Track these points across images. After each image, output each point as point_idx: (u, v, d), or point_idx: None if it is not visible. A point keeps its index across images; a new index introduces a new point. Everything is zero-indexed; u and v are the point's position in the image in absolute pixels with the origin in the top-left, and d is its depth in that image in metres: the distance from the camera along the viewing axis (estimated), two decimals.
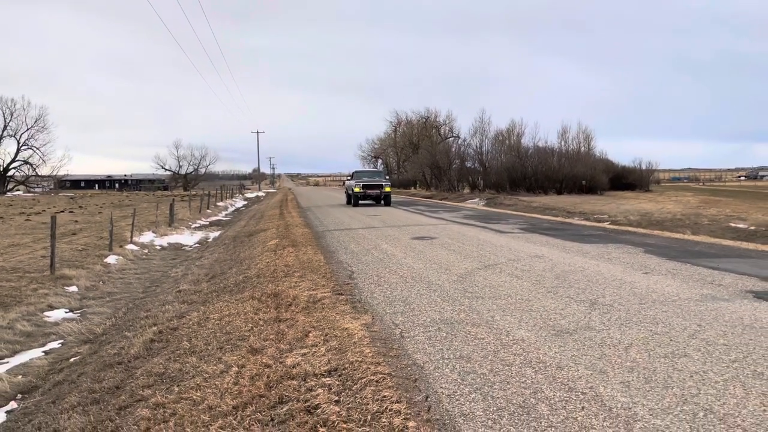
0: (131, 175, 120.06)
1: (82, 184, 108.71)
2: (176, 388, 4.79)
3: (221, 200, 45.85)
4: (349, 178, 32.41)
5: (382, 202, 29.05)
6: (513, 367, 4.45)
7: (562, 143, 56.76)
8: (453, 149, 58.89)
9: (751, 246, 11.80)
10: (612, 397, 3.79)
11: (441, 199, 38.13)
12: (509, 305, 6.47)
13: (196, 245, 19.12)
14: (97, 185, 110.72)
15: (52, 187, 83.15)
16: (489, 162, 52.01)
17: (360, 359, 4.65)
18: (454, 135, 66.96)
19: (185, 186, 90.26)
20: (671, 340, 5.03)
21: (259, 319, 6.41)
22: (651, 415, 3.52)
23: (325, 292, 7.32)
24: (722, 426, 3.35)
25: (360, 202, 28.80)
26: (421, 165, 58.35)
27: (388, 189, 29.00)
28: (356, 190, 28.21)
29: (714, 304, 6.35)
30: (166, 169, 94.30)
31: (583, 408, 3.65)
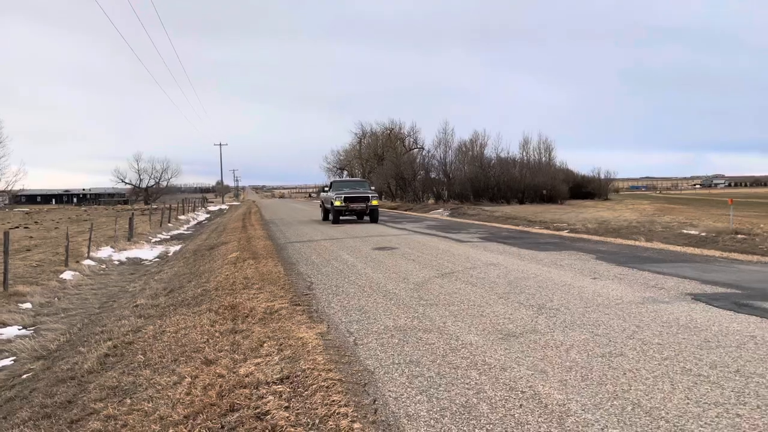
0: (90, 190, 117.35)
1: (39, 199, 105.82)
2: (128, 401, 4.82)
3: (183, 214, 45.26)
4: (326, 189, 26.93)
5: (368, 217, 24.22)
6: (459, 369, 4.62)
7: (524, 154, 58.03)
8: (417, 160, 59.47)
9: (697, 251, 12.32)
10: (549, 395, 4.00)
11: (406, 210, 38.42)
12: (461, 311, 6.66)
13: (156, 259, 18.89)
14: (54, 200, 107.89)
15: (6, 202, 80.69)
16: (453, 173, 52.70)
17: (312, 366, 4.76)
18: (419, 146, 67.60)
19: (146, 200, 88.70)
20: (610, 341, 5.29)
21: (215, 331, 6.45)
22: (583, 410, 3.72)
23: (282, 303, 7.40)
24: (647, 418, 3.58)
25: (341, 218, 23.97)
26: (386, 176, 58.71)
27: (375, 202, 23.97)
28: (337, 203, 23.03)
29: (654, 306, 6.67)
30: (126, 183, 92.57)
31: (521, 406, 3.84)
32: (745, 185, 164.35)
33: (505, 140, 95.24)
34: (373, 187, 27.17)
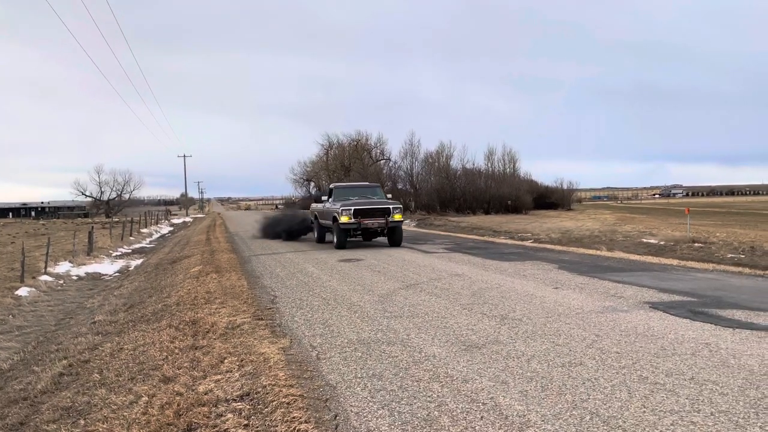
0: (49, 203, 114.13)
1: None
2: (82, 422, 4.67)
3: (146, 227, 44.37)
4: (323, 198, 19.13)
5: (382, 237, 17.53)
6: (422, 382, 4.61)
7: (489, 165, 58.68)
8: (384, 171, 59.60)
9: (656, 260, 12.62)
10: (509, 406, 4.02)
11: None
12: (425, 323, 6.67)
13: (117, 274, 18.44)
14: (11, 214, 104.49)
15: None
16: (420, 184, 53.00)
17: (273, 382, 4.69)
18: (386, 157, 67.78)
19: (107, 213, 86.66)
20: (570, 350, 5.35)
21: (175, 347, 6.31)
22: (543, 420, 3.75)
23: (245, 318, 7.29)
24: (605, 428, 3.62)
25: (350, 239, 17.05)
26: None
27: (398, 216, 16.72)
28: (344, 219, 16.12)
29: (613, 315, 6.79)
30: (86, 196, 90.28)
31: (482, 417, 3.85)
32: (702, 195, 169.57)
33: (471, 151, 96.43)
34: (389, 195, 19.10)
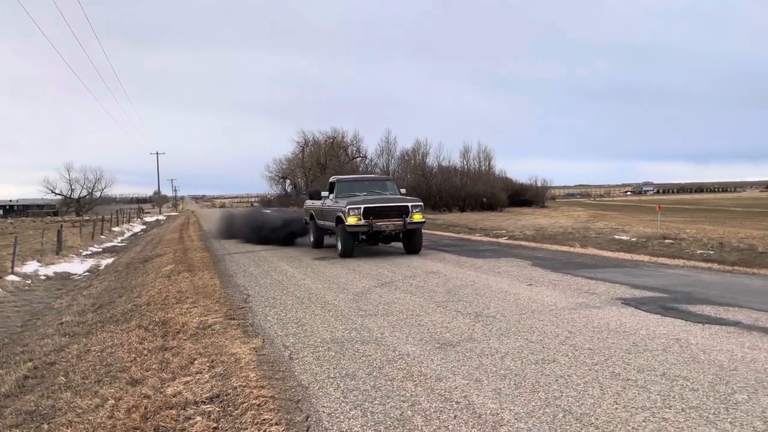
0: (18, 201, 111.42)
1: None
2: (46, 426, 4.53)
3: (117, 225, 43.59)
4: (325, 194, 15.34)
5: (397, 243, 14.27)
6: (395, 381, 4.57)
7: (465, 162, 58.98)
8: (360, 169, 59.52)
9: (628, 256, 12.77)
10: (483, 405, 3.99)
11: None
12: (399, 321, 6.63)
13: (86, 274, 18.05)
14: None
15: None
16: (396, 181, 52.98)
17: (244, 384, 4.60)
18: (362, 155, 67.67)
19: (78, 211, 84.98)
20: (543, 347, 5.36)
21: (144, 348, 6.17)
22: (516, 419, 3.73)
23: (217, 318, 7.16)
24: (578, 425, 3.62)
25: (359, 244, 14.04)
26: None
27: (418, 217, 13.61)
28: (351, 220, 13.16)
29: (586, 311, 6.83)
30: (56, 194, 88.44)
31: (455, 417, 3.81)
32: (673, 192, 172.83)
33: (447, 149, 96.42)
34: (403, 190, 15.71)
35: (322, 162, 69.16)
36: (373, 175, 22.19)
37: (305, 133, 75.68)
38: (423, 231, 14.68)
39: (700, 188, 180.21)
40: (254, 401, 4.22)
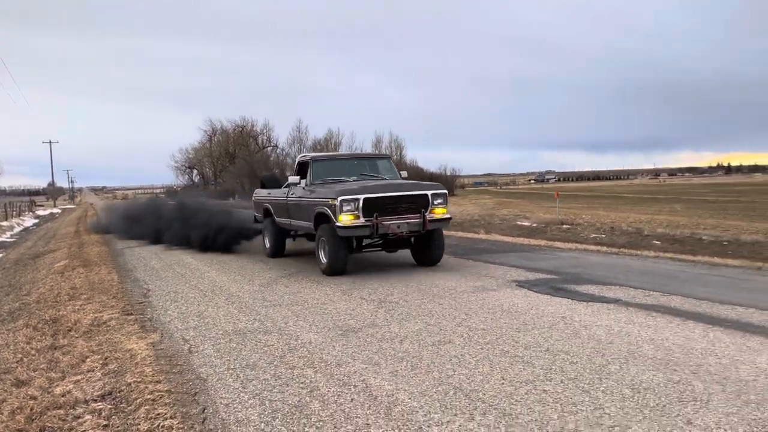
0: None
1: None
2: None
3: (6, 219, 40.46)
4: (294, 179, 10.43)
5: (411, 247, 9.94)
6: (296, 369, 4.61)
7: (376, 152, 59.49)
8: (272, 158, 58.61)
9: (527, 241, 13.44)
10: (380, 387, 4.12)
11: None
12: (304, 311, 6.66)
13: None
14: None
15: None
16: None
17: (139, 380, 4.48)
18: (273, 144, 66.60)
19: None
20: (441, 329, 5.58)
21: (32, 348, 5.84)
22: (410, 398, 3.89)
23: (112, 314, 6.89)
24: (467, 401, 3.83)
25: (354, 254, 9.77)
26: (238, 175, 57.08)
27: (442, 210, 9.38)
28: (345, 219, 8.80)
29: (483, 294, 7.16)
30: None
31: (352, 400, 3.92)
32: (572, 180, 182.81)
33: (359, 139, 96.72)
34: (404, 173, 11.62)
35: (231, 151, 67.43)
36: (363, 153, 14.60)
37: (213, 122, 73.36)
38: None
39: (597, 176, 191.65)
40: (149, 396, 4.13)
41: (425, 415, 3.63)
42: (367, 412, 3.70)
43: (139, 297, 7.98)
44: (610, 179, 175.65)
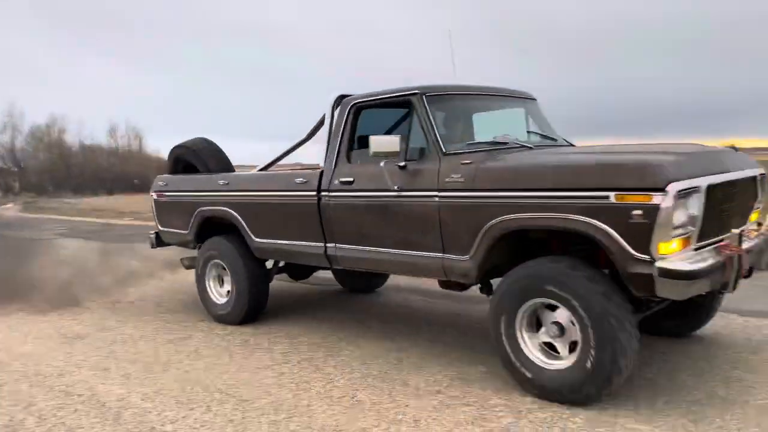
0: None
1: None
2: None
3: None
4: (395, 149, 3.77)
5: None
6: (6, 386, 4.07)
7: (112, 142, 54.34)
8: None
9: None
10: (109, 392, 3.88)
11: None
12: (17, 321, 5.87)
13: None
14: None
15: None
16: (25, 161, 45.87)
17: None
18: None
19: None
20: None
21: None
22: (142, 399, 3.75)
23: None
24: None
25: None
26: None
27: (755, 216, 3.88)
28: (675, 245, 3.03)
29: None
30: None
31: (75, 411, 3.62)
32: None
33: (90, 127, 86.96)
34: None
35: None
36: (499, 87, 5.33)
37: None
38: (62, 217, 11.81)
39: None
40: None
41: None
42: (93, 421, 3.46)
43: None
44: None
